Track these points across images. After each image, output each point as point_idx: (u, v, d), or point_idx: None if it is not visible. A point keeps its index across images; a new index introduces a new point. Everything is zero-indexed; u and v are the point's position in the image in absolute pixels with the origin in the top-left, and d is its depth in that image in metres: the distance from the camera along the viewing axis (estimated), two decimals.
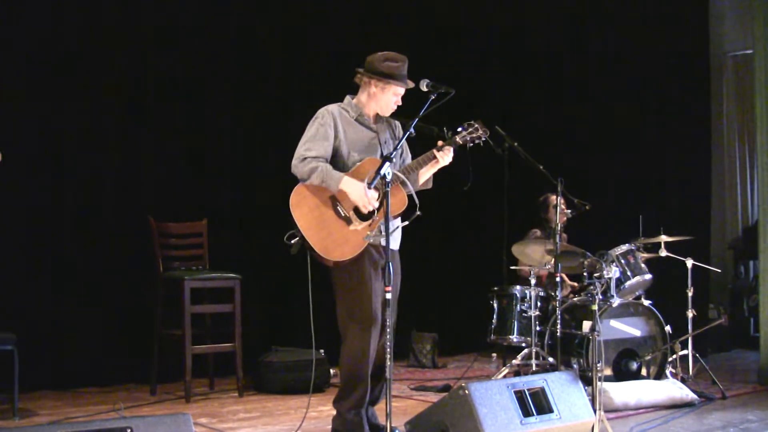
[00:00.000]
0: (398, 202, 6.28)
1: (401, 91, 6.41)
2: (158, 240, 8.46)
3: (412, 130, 6.10)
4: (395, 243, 6.48)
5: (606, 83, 11.15)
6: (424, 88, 6.12)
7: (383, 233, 5.77)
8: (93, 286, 8.79)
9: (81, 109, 8.65)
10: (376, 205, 6.19)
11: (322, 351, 8.46)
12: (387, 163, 5.58)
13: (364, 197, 6.15)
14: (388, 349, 5.52)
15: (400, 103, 6.47)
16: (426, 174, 6.54)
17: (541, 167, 8.27)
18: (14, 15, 8.31)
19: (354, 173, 6.21)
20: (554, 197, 8.93)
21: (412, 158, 6.58)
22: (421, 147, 6.50)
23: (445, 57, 10.84)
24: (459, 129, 6.50)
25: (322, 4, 10.32)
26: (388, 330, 5.52)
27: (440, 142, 6.42)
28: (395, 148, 6.05)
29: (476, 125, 6.50)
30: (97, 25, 8.84)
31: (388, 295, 5.46)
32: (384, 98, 6.41)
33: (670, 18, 10.96)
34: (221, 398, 8.33)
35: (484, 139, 6.55)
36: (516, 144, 8.46)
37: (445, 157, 6.40)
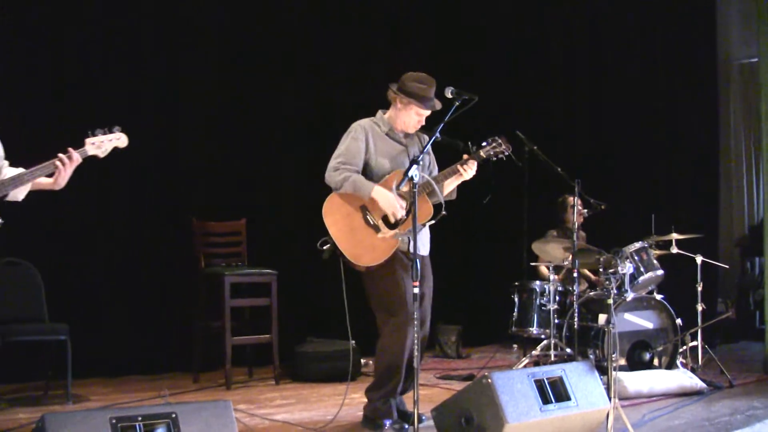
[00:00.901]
0: (424, 212, 6.27)
1: (423, 112, 6.41)
2: (200, 238, 8.49)
3: (437, 134, 6.07)
4: (424, 249, 6.51)
5: (620, 89, 11.08)
6: (449, 95, 6.07)
7: (412, 239, 5.83)
8: (140, 281, 8.82)
9: (128, 112, 8.67)
10: (404, 213, 6.20)
11: (353, 342, 8.47)
12: (414, 166, 5.57)
13: (394, 205, 6.16)
14: (417, 343, 5.52)
15: (423, 123, 6.46)
16: (450, 186, 6.51)
17: (559, 169, 8.25)
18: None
19: (384, 184, 6.22)
20: (571, 198, 8.93)
21: (439, 170, 6.59)
22: (447, 161, 6.52)
23: (467, 59, 10.82)
24: (483, 144, 6.49)
25: (354, 15, 10.31)
26: (415, 323, 5.51)
27: (465, 156, 6.42)
28: (422, 152, 6.03)
29: (500, 140, 6.50)
30: (142, 28, 8.89)
31: (416, 290, 5.45)
32: (406, 116, 6.41)
33: (680, 27, 10.89)
34: (259, 386, 8.34)
35: (507, 154, 6.53)
36: (535, 147, 8.45)
37: (468, 170, 6.40)
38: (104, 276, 8.71)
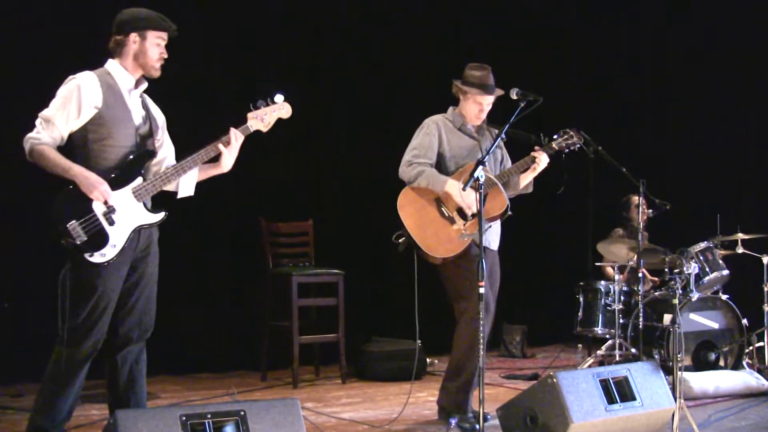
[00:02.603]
0: (498, 204, 6.28)
1: (482, 99, 6.41)
2: (268, 239, 8.53)
3: (503, 135, 6.09)
4: (494, 243, 6.51)
5: (684, 86, 10.96)
6: (514, 96, 6.05)
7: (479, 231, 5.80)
8: (210, 282, 8.91)
9: (197, 116, 8.75)
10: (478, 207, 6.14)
11: (419, 341, 8.46)
12: (480, 167, 5.54)
13: (468, 199, 6.15)
14: (483, 343, 5.50)
15: (484, 110, 6.46)
16: (525, 179, 6.53)
17: (624, 170, 8.18)
18: None
19: (458, 177, 6.22)
20: (636, 198, 8.86)
21: (512, 164, 6.57)
22: (520, 154, 6.51)
23: (529, 56, 10.78)
24: (555, 136, 6.52)
25: (415, 11, 10.31)
26: (481, 322, 5.48)
27: (537, 148, 6.44)
28: (487, 153, 5.94)
29: (571, 132, 6.52)
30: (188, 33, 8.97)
31: (482, 290, 5.41)
32: (467, 106, 6.45)
33: (744, 22, 10.73)
34: (326, 384, 8.37)
35: (578, 145, 6.55)
36: (600, 148, 8.39)
37: (541, 162, 6.40)
38: (174, 276, 8.76)
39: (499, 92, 6.40)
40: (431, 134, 6.42)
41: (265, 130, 5.61)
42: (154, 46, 5.27)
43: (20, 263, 8.07)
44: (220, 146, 5.42)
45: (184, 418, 4.58)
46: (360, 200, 9.70)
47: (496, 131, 6.47)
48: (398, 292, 9.56)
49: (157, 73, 5.33)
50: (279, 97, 5.60)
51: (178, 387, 8.16)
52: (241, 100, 8.51)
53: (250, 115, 5.55)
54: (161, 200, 5.53)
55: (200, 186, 8.73)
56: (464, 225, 6.22)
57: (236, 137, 5.46)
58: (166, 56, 5.33)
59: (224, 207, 9.01)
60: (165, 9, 5.46)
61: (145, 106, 5.39)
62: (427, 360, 8.81)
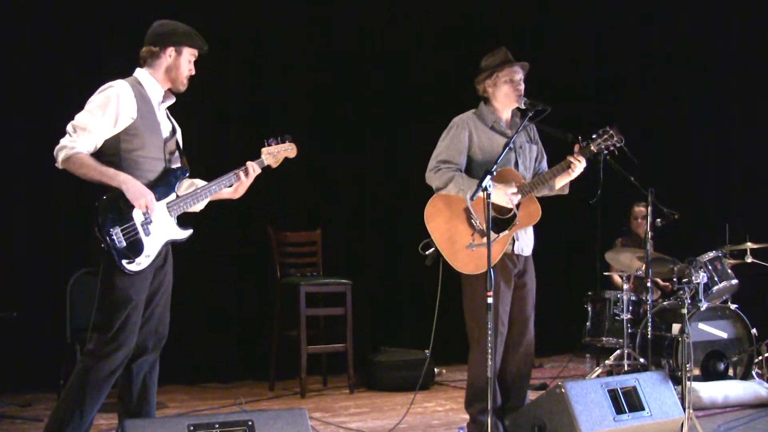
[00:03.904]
0: (531, 213, 6.02)
1: (514, 74, 6.07)
2: (276, 248, 8.54)
3: (511, 145, 5.91)
4: (527, 249, 6.23)
5: (693, 95, 10.95)
6: (522, 106, 5.95)
7: (517, 239, 5.87)
8: (217, 291, 8.91)
9: (208, 127, 8.78)
10: (518, 201, 5.92)
11: (427, 351, 8.46)
12: (488, 177, 5.33)
13: (505, 197, 5.88)
14: (491, 353, 5.42)
15: (521, 86, 6.07)
16: (562, 181, 6.15)
17: (632, 178, 8.17)
18: None
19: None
20: (637, 208, 8.93)
21: (549, 164, 6.29)
22: (558, 154, 6.23)
23: (540, 63, 10.76)
24: (593, 136, 6.07)
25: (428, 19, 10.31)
26: (489, 334, 5.38)
27: (576, 148, 6.04)
28: (495, 162, 5.62)
29: (611, 131, 6.06)
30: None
31: (490, 300, 5.28)
32: (500, 91, 6.08)
33: (756, 32, 10.72)
34: (334, 394, 8.37)
35: (619, 145, 6.09)
36: (608, 156, 8.34)
37: (579, 165, 6.01)
38: (182, 285, 8.77)
39: (523, 63, 6.12)
40: (460, 135, 6.06)
41: (274, 166, 5.78)
42: (187, 62, 5.34)
43: (29, 273, 8.09)
44: (241, 175, 5.54)
45: (192, 428, 4.59)
46: (368, 210, 9.71)
47: (533, 125, 6.25)
48: (407, 302, 9.60)
49: (184, 88, 5.38)
50: (288, 137, 5.81)
51: (186, 396, 8.17)
52: (251, 121, 8.59)
53: (264, 150, 5.71)
54: None
55: None
56: (495, 238, 5.73)
57: (254, 170, 5.59)
58: (194, 73, 5.39)
59: (233, 216, 9.01)
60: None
61: (170, 119, 5.43)
62: (435, 370, 8.79)
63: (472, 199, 5.52)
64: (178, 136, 5.47)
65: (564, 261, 10.99)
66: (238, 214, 9.01)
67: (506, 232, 5.94)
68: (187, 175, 5.44)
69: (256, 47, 9.28)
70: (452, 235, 5.95)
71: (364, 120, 9.80)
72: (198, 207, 5.56)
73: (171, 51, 5.28)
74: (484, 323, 5.48)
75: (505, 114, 6.20)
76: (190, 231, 5.41)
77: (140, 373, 5.32)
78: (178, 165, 5.39)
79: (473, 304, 6.03)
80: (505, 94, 6.08)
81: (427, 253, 6.00)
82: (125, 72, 5.31)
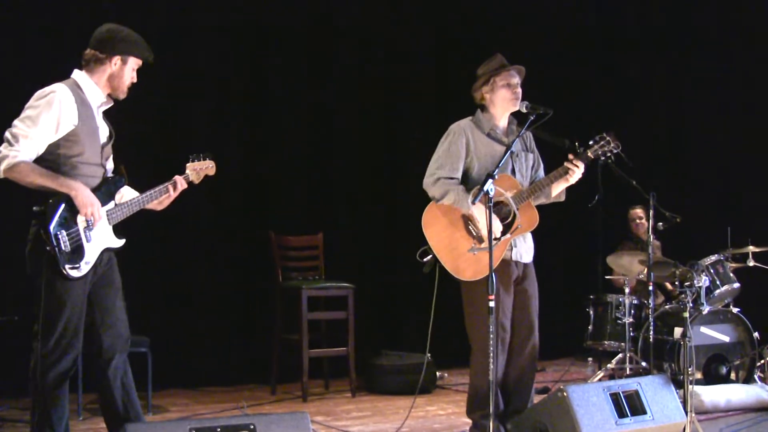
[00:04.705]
0: (529, 219, 6.04)
1: (511, 78, 6.10)
2: (278, 252, 8.53)
3: (512, 149, 5.95)
4: (527, 256, 6.28)
5: (696, 98, 10.94)
6: (523, 110, 5.96)
7: (515, 246, 5.88)
8: (219, 294, 8.93)
9: (209, 131, 8.79)
10: (500, 229, 5.96)
11: (428, 355, 8.46)
12: (489, 180, 5.37)
13: (496, 220, 5.90)
14: (493, 357, 5.42)
15: (518, 90, 6.10)
16: (558, 188, 6.22)
17: (634, 182, 8.17)
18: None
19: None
20: (634, 211, 8.96)
21: (546, 171, 6.32)
22: (555, 160, 6.26)
23: (540, 67, 10.76)
24: (590, 142, 6.12)
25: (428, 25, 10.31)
26: (491, 338, 5.38)
27: (571, 156, 6.08)
28: (496, 167, 5.66)
29: (608, 138, 6.11)
30: (221, 48, 9.01)
31: (491, 303, 5.30)
32: (497, 96, 6.12)
33: (759, 35, 10.71)
34: (335, 398, 8.37)
35: (616, 151, 6.15)
36: (611, 161, 8.35)
37: (576, 172, 6.07)
38: (184, 289, 8.82)
39: (518, 67, 6.14)
40: (458, 142, 6.12)
41: (197, 182, 5.74)
42: (131, 71, 5.31)
43: (30, 277, 8.08)
44: (170, 189, 5.51)
45: None
46: (370, 214, 9.71)
47: (529, 133, 6.28)
48: (409, 306, 9.59)
49: (124, 96, 5.35)
50: (208, 155, 5.79)
51: (188, 400, 8.17)
52: (253, 121, 8.58)
53: (188, 165, 5.68)
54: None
55: (211, 200, 8.80)
56: (495, 243, 5.71)
57: (181, 184, 5.56)
58: (135, 81, 5.36)
59: (234, 220, 9.04)
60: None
61: (107, 123, 5.41)
62: (437, 374, 8.79)
63: (473, 203, 5.59)
64: (113, 140, 5.43)
65: (566, 264, 10.98)
66: (240, 218, 9.03)
67: (508, 235, 5.96)
68: (125, 183, 5.45)
69: (260, 47, 9.28)
70: (450, 242, 6.00)
71: (367, 123, 9.79)
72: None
73: (117, 60, 5.25)
74: (484, 328, 5.49)
75: (502, 121, 6.24)
76: (123, 241, 5.38)
77: (116, 378, 5.33)
78: (113, 171, 5.41)
79: (473, 310, 6.08)
80: (503, 98, 6.13)
81: (425, 260, 6.03)
82: (58, 73, 5.29)
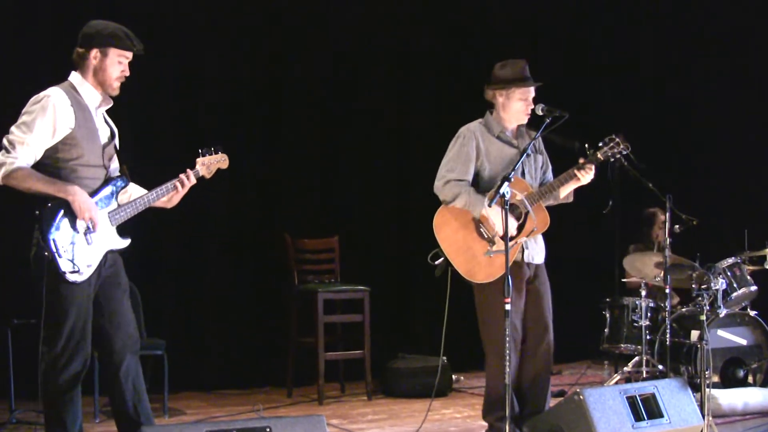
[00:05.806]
0: (541, 221, 6.03)
1: (528, 93, 6.11)
2: (294, 255, 8.54)
3: (528, 152, 5.95)
4: (539, 257, 6.27)
5: (712, 98, 10.89)
6: (540, 113, 5.93)
7: (527, 248, 5.89)
8: (235, 298, 8.93)
9: (224, 133, 8.80)
10: (514, 231, 5.95)
11: (444, 358, 8.45)
12: (506, 183, 5.39)
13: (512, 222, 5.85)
14: (507, 360, 5.42)
15: (532, 106, 6.08)
16: (566, 189, 6.21)
17: (651, 185, 8.14)
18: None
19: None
20: (662, 215, 8.87)
21: (554, 173, 6.31)
22: (562, 161, 6.27)
23: (552, 67, 10.74)
24: (600, 144, 6.11)
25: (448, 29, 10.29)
26: (507, 341, 5.39)
27: (581, 160, 6.08)
28: (512, 169, 5.67)
29: (618, 139, 6.11)
30: (229, 50, 9.03)
31: (507, 306, 5.31)
32: (512, 106, 6.11)
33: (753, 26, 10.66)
34: (351, 401, 8.37)
35: (625, 153, 6.18)
36: (625, 162, 8.33)
37: (586, 175, 6.06)
38: (200, 292, 8.83)
39: (539, 83, 6.15)
40: (467, 145, 6.11)
41: (208, 177, 5.70)
42: (116, 64, 5.24)
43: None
44: (178, 185, 5.46)
45: None
46: (386, 217, 9.69)
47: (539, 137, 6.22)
48: (425, 309, 9.57)
49: (114, 92, 5.30)
50: (219, 148, 5.72)
51: (204, 403, 8.18)
52: (264, 122, 8.58)
53: (198, 160, 5.62)
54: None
55: (226, 203, 8.82)
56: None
57: (190, 179, 5.51)
58: (127, 74, 5.31)
59: (250, 223, 9.04)
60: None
61: (108, 123, 5.41)
62: (453, 377, 8.78)
63: (489, 206, 5.61)
64: (116, 140, 5.43)
65: (581, 267, 10.95)
66: (255, 221, 9.04)
67: (524, 237, 5.98)
68: (128, 184, 5.43)
69: (276, 48, 9.28)
70: (463, 245, 6.00)
71: (381, 126, 9.77)
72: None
73: (96, 53, 5.20)
74: (499, 331, 5.52)
75: (511, 125, 6.24)
76: (128, 241, 5.35)
77: (128, 380, 5.31)
78: (118, 171, 5.39)
79: (486, 313, 6.10)
80: (517, 110, 6.14)
81: (436, 263, 6.03)
82: (59, 76, 5.29)
